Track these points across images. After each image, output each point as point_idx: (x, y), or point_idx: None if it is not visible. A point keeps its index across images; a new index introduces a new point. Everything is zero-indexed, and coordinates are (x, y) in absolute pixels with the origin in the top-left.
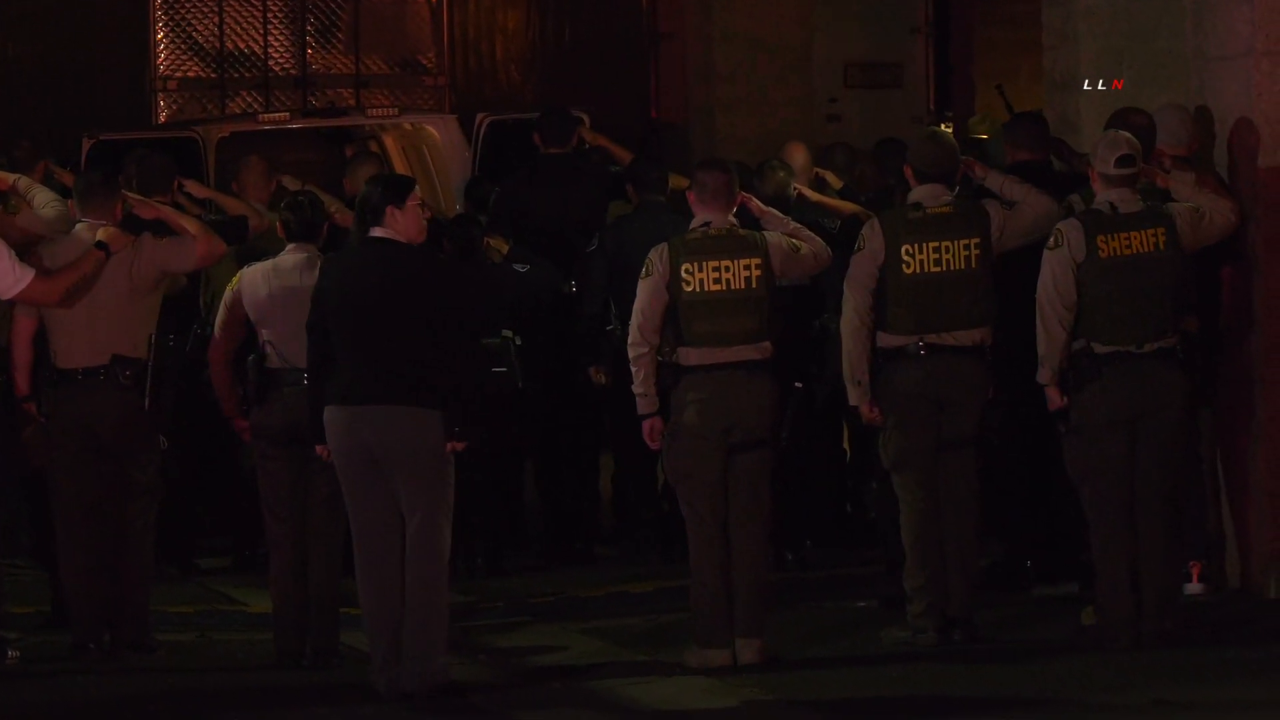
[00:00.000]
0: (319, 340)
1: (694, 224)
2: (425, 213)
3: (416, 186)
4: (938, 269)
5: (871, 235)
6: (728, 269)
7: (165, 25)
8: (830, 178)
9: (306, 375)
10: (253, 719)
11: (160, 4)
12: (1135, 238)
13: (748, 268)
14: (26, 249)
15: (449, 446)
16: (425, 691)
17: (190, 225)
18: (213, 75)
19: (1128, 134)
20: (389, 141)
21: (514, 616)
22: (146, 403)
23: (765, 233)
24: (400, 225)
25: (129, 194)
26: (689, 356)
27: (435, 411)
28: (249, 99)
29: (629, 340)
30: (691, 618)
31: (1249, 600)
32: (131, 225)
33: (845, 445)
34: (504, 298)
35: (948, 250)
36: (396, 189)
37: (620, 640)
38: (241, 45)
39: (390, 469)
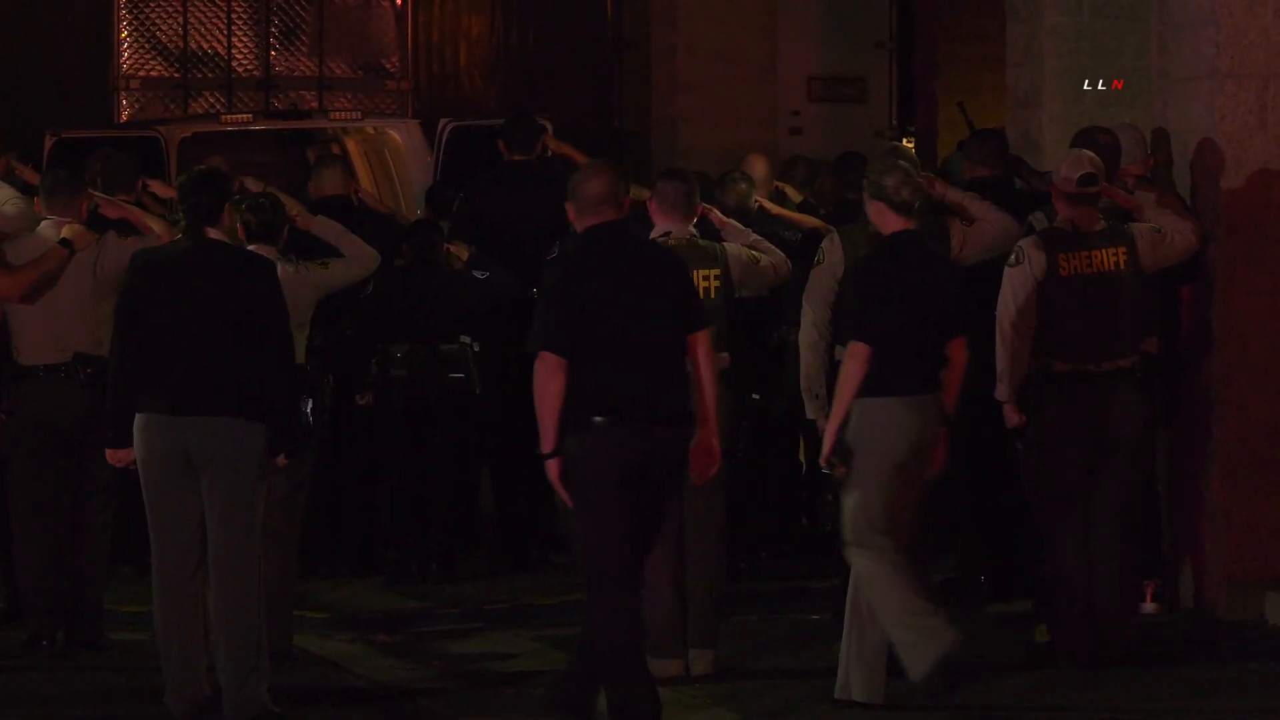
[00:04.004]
0: (131, 338)
1: (654, 234)
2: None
3: None
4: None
5: (831, 249)
6: None
7: (129, 24)
8: (790, 191)
9: (113, 373)
10: None
11: (124, 3)
12: (1096, 256)
13: (707, 279)
14: None
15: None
16: None
17: (155, 225)
18: (176, 75)
19: (1090, 153)
20: (351, 145)
21: (467, 622)
22: (107, 401)
23: (725, 244)
24: (226, 225)
25: (94, 192)
26: None
27: (260, 423)
28: (211, 99)
29: None
30: (645, 628)
31: (1202, 621)
32: (96, 224)
33: (801, 457)
34: (463, 304)
35: None
36: (228, 186)
37: (573, 648)
38: (205, 45)
39: (207, 480)
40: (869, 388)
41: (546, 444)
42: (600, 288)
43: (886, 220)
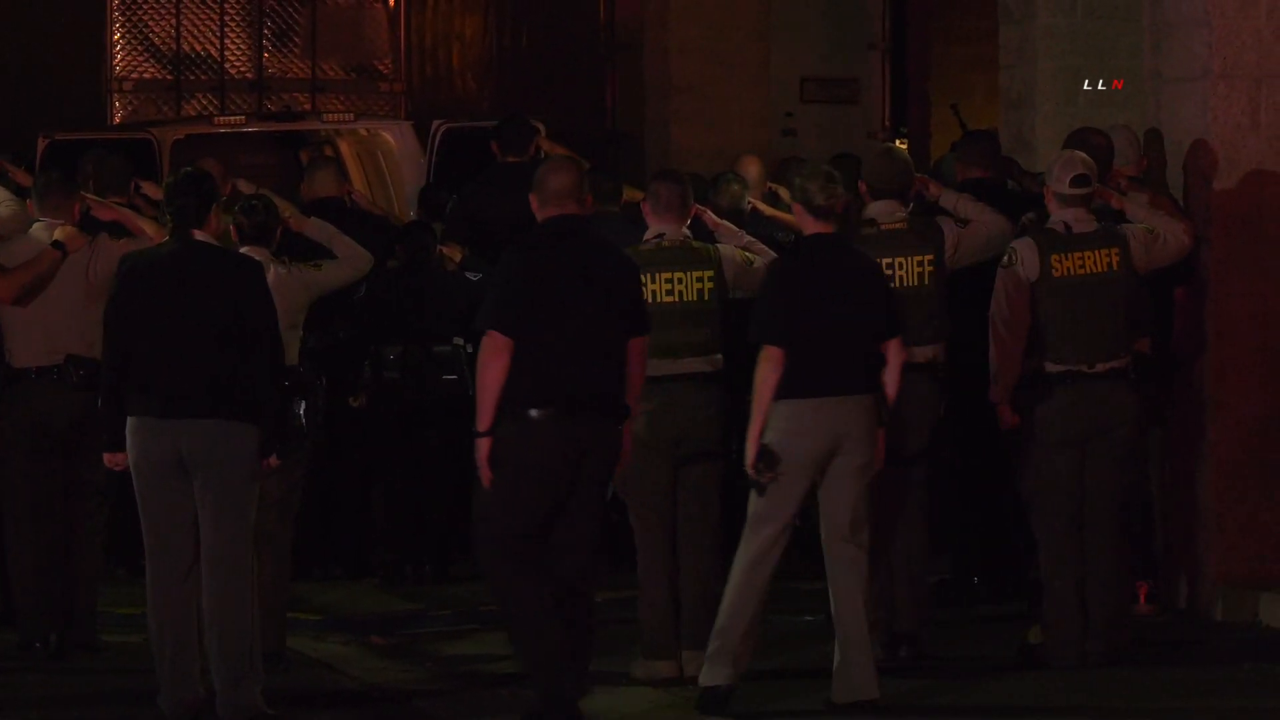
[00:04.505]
0: (121, 341)
1: (648, 235)
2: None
3: None
4: (891, 285)
5: None
6: (680, 281)
7: (122, 26)
8: (784, 192)
9: (105, 376)
10: None
11: (117, 4)
12: (1089, 258)
13: (700, 280)
14: None
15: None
16: None
17: (147, 227)
18: (169, 77)
19: (1083, 154)
20: (344, 147)
21: (461, 624)
22: (99, 403)
23: (719, 245)
24: (214, 228)
25: (87, 195)
26: None
27: (251, 425)
28: (204, 101)
29: None
30: (639, 629)
31: (1195, 621)
32: (89, 226)
33: None
34: (456, 306)
35: (901, 267)
36: (214, 187)
37: None
38: (198, 47)
39: (199, 482)
40: (785, 390)
41: (482, 423)
42: (551, 278)
43: (805, 223)
